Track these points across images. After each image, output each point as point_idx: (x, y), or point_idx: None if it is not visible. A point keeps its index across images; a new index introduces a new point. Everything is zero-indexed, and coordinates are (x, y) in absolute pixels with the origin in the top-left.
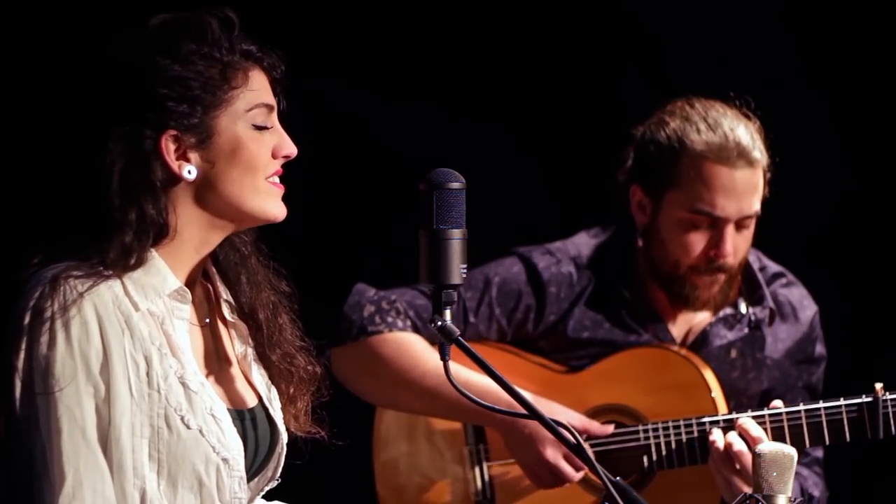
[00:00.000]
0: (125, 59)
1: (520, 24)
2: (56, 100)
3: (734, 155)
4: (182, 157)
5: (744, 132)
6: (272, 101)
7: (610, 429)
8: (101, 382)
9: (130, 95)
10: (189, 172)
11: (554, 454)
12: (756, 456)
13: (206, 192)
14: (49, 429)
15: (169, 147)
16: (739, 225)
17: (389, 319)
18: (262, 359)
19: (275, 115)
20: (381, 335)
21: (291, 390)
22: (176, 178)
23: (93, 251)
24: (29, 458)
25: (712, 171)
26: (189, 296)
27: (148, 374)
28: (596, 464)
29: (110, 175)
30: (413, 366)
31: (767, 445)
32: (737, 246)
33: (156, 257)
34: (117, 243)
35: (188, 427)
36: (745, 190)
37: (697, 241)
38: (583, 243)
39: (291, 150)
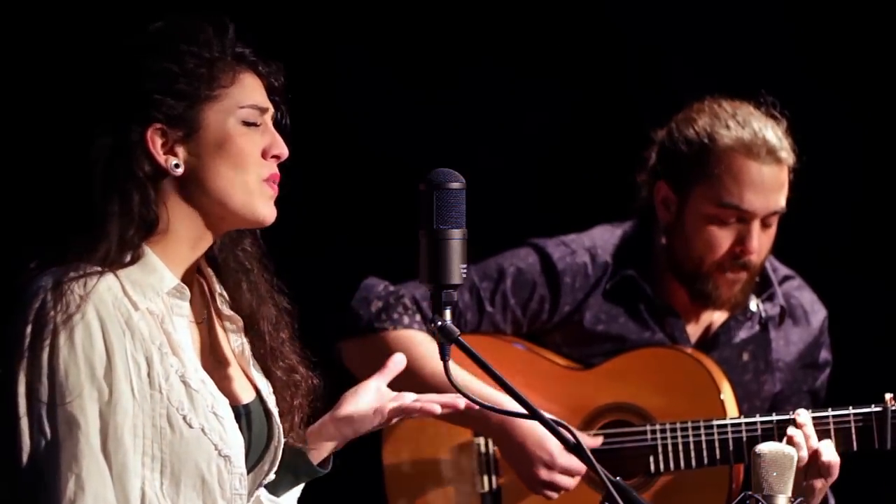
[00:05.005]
0: (113, 56)
1: (520, 24)
2: (45, 95)
3: (763, 151)
4: (170, 151)
5: (772, 131)
6: (265, 103)
7: (598, 441)
8: (105, 386)
9: (117, 90)
10: (176, 166)
11: (548, 473)
12: (756, 456)
13: (194, 188)
14: (53, 434)
15: (156, 140)
16: (764, 223)
17: (395, 316)
18: (265, 370)
19: (268, 117)
20: (386, 332)
21: (296, 401)
22: (164, 172)
23: (85, 249)
24: (31, 464)
25: (741, 165)
26: (188, 292)
27: (149, 374)
28: (596, 464)
29: (95, 167)
30: (419, 366)
31: (767, 445)
32: (761, 244)
33: (149, 254)
34: (105, 236)
35: (190, 426)
36: (772, 186)
37: (723, 238)
38: (598, 235)
39: (282, 150)
